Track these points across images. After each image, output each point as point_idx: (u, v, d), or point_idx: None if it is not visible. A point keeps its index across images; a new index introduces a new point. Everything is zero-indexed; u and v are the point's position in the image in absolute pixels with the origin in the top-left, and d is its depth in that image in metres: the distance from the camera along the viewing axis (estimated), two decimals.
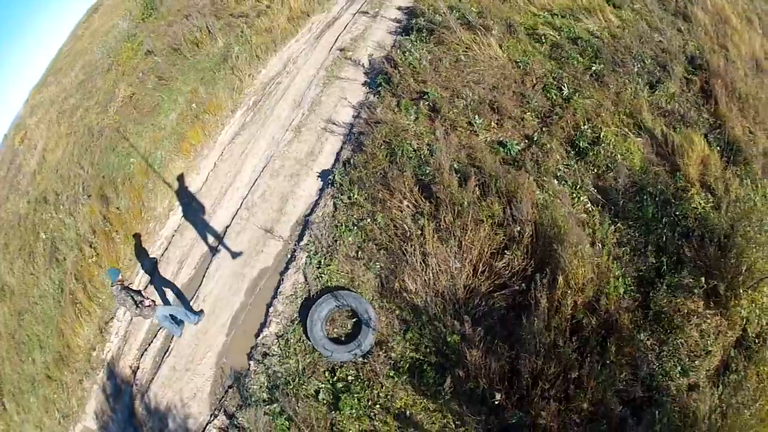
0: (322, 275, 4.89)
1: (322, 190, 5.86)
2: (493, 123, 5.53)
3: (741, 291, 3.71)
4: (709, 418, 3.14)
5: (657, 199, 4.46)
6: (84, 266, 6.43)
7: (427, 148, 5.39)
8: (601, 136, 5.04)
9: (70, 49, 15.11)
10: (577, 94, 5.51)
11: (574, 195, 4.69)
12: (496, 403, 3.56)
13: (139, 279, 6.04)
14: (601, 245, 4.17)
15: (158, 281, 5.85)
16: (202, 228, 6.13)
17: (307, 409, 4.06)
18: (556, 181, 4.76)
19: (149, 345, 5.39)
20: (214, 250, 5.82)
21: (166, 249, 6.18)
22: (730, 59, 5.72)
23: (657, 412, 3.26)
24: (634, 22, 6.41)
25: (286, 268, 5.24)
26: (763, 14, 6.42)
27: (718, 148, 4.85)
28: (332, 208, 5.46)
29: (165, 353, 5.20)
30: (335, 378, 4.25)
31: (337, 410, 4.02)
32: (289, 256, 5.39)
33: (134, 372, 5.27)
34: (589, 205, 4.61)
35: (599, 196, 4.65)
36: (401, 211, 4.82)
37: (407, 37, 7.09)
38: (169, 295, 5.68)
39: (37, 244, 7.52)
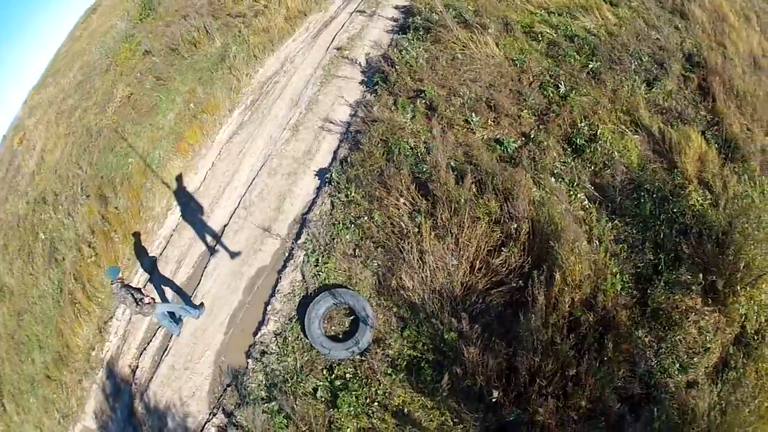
0: (320, 273, 4.89)
1: (319, 188, 5.87)
2: (489, 121, 5.53)
3: (739, 288, 3.70)
4: (708, 416, 3.15)
5: (654, 196, 4.46)
6: (83, 266, 6.44)
7: (423, 146, 5.39)
8: (598, 133, 5.04)
9: (69, 50, 15.12)
10: (573, 92, 5.51)
11: (571, 192, 4.70)
12: (494, 400, 3.56)
13: (138, 278, 6.04)
14: (599, 242, 4.18)
15: (157, 279, 5.85)
16: (200, 227, 6.14)
17: (305, 407, 4.06)
18: (552, 179, 4.77)
19: (148, 344, 5.39)
20: (212, 250, 5.83)
21: (165, 248, 6.19)
22: (727, 57, 5.71)
23: (655, 409, 3.26)
24: (631, 19, 6.41)
25: (284, 267, 5.25)
26: (761, 12, 6.42)
27: (716, 145, 4.86)
28: (329, 206, 5.46)
29: (164, 352, 5.21)
30: (333, 376, 4.26)
31: (335, 408, 4.03)
32: (286, 254, 5.40)
33: (133, 371, 5.27)
34: (586, 202, 4.61)
35: (596, 193, 4.65)
36: (398, 209, 4.82)
37: (404, 35, 7.10)
38: (169, 293, 5.69)
39: (36, 245, 7.53)
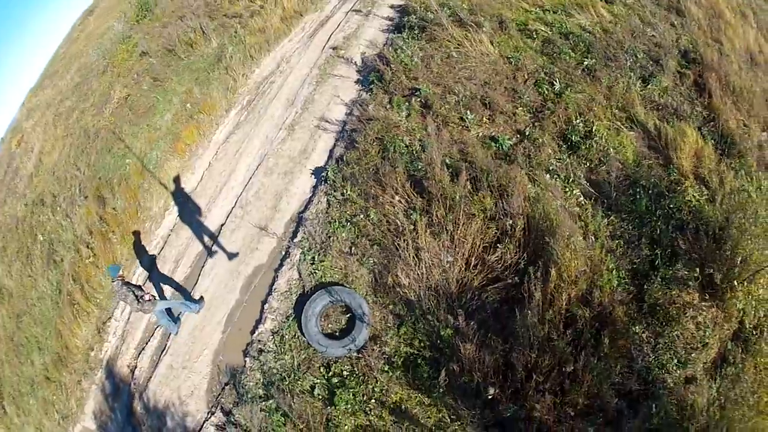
0: (316, 271, 4.90)
1: (315, 187, 5.88)
2: (484, 118, 5.53)
3: (737, 283, 3.68)
4: (708, 411, 3.14)
5: (650, 192, 4.46)
6: (81, 267, 6.44)
7: (419, 144, 5.40)
8: (594, 130, 5.03)
9: (66, 52, 15.15)
10: (569, 89, 5.51)
11: (567, 188, 4.69)
12: (489, 397, 3.56)
13: (137, 278, 6.05)
14: (594, 238, 4.17)
15: (156, 278, 5.87)
16: (198, 227, 6.14)
17: (303, 404, 4.07)
18: (548, 175, 4.76)
19: (147, 344, 5.40)
20: (209, 249, 5.83)
21: (162, 248, 6.20)
22: (724, 53, 5.70)
23: (654, 405, 3.25)
24: (626, 17, 6.40)
25: (281, 265, 5.26)
26: (758, 8, 6.41)
27: (712, 141, 4.84)
28: (326, 204, 5.47)
29: (162, 352, 5.21)
30: (330, 373, 4.26)
31: (332, 405, 4.03)
32: (283, 253, 5.41)
33: (132, 371, 5.28)
34: (582, 198, 4.61)
35: (592, 190, 4.65)
36: (394, 207, 4.82)
37: (399, 34, 7.11)
38: (167, 292, 5.70)
39: (34, 247, 7.53)
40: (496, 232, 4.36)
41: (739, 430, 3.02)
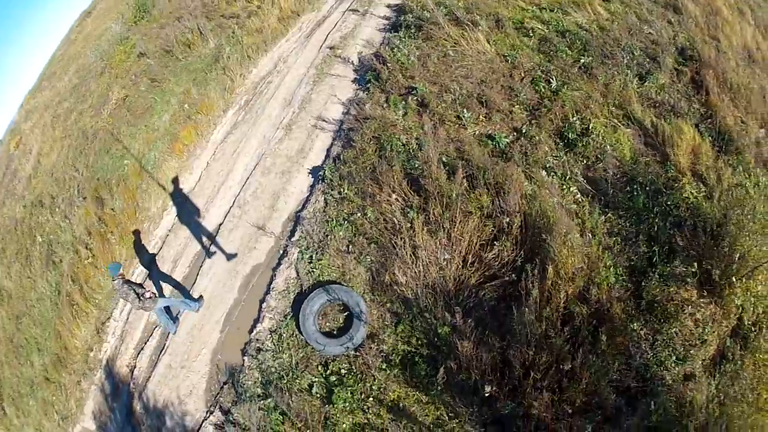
0: (314, 270, 4.90)
1: (312, 186, 5.88)
2: (481, 116, 5.53)
3: (735, 280, 3.67)
4: (707, 408, 3.12)
5: (648, 188, 4.45)
6: (80, 268, 6.45)
7: (415, 143, 5.40)
8: (590, 127, 5.03)
9: (64, 54, 15.16)
10: (565, 87, 5.51)
11: (564, 186, 4.69)
12: (486, 395, 3.56)
13: (136, 277, 6.05)
14: (592, 235, 4.17)
15: (155, 277, 5.87)
16: (196, 227, 6.15)
17: (301, 403, 4.07)
18: (544, 173, 4.76)
19: (145, 344, 5.40)
20: (207, 249, 5.84)
21: (161, 248, 6.20)
22: (721, 50, 5.70)
23: (653, 402, 3.25)
24: (623, 14, 6.40)
25: (279, 264, 5.26)
26: (755, 5, 6.42)
27: (710, 138, 4.84)
28: (323, 203, 5.48)
29: (161, 351, 5.22)
30: (328, 372, 4.27)
31: (330, 404, 4.03)
32: (281, 252, 5.41)
33: (131, 371, 5.28)
34: (579, 195, 4.61)
35: (589, 187, 4.65)
36: (391, 205, 4.83)
37: (396, 33, 7.11)
38: (167, 291, 5.71)
39: (33, 248, 7.54)
40: (493, 230, 4.36)
41: (738, 427, 3.01)
